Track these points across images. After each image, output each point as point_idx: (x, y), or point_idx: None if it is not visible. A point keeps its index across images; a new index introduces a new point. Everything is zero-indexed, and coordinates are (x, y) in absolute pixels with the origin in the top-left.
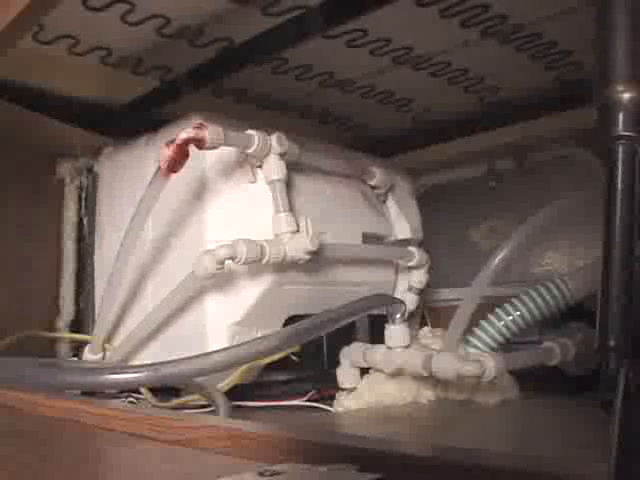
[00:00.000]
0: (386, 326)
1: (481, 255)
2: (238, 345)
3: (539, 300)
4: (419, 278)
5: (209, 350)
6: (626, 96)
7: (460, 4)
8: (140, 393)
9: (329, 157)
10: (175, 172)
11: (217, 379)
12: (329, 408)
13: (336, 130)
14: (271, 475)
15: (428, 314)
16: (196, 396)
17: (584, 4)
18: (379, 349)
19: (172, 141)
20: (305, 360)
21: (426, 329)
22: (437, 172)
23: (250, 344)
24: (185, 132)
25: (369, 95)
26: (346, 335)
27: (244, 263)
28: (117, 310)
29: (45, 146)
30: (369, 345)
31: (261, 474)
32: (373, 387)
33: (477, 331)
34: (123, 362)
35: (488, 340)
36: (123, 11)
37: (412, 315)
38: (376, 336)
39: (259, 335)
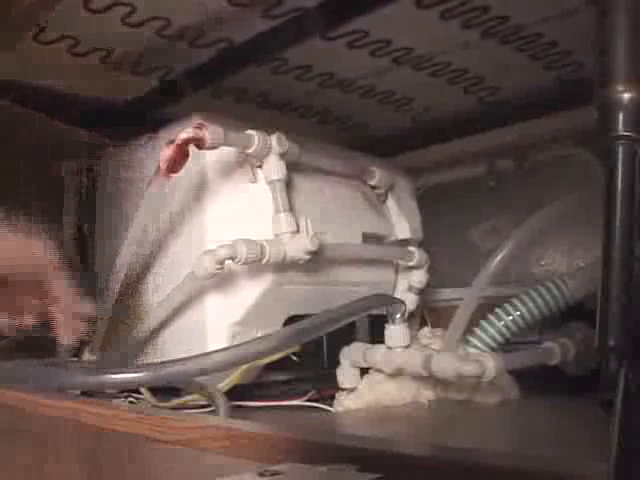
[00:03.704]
0: (386, 326)
1: (481, 255)
2: (238, 345)
3: (539, 300)
4: (419, 278)
5: (209, 350)
6: (626, 96)
7: (460, 6)
8: (140, 393)
9: (329, 157)
10: (175, 172)
11: (217, 379)
12: (329, 408)
13: (336, 130)
14: (271, 475)
15: (428, 314)
16: (196, 396)
17: (584, 4)
18: (379, 349)
19: (172, 141)
20: (305, 360)
21: (426, 329)
22: (437, 172)
23: (250, 344)
24: (185, 132)
25: (369, 95)
26: (346, 335)
27: (244, 263)
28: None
29: (45, 146)
30: (369, 345)
31: (261, 474)
32: (373, 387)
33: (477, 331)
34: (123, 362)
35: (488, 340)
36: (124, 13)
37: (412, 315)
38: (376, 336)
39: (259, 335)
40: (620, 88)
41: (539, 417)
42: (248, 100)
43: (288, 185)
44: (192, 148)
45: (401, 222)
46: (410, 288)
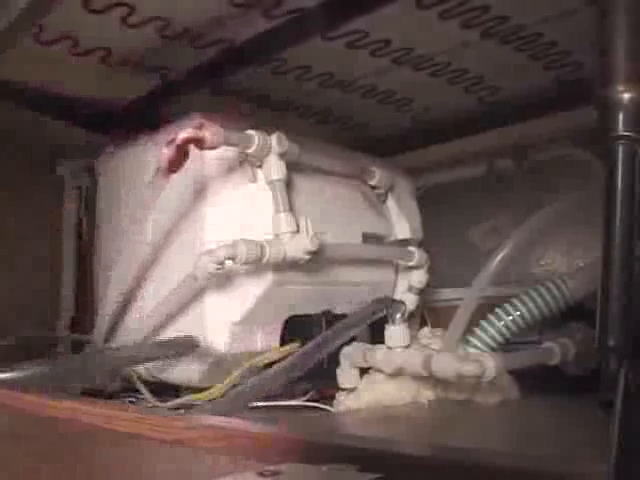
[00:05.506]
0: (386, 326)
1: (481, 255)
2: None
3: (539, 300)
4: (419, 278)
5: (209, 349)
6: (626, 96)
7: (460, 6)
8: (140, 393)
9: (329, 157)
10: (175, 172)
11: (216, 379)
12: (329, 408)
13: (336, 130)
14: (271, 475)
15: (428, 314)
16: (196, 396)
17: (584, 4)
18: (379, 349)
19: (172, 141)
20: None
21: (426, 329)
22: (437, 172)
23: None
24: (185, 132)
25: (369, 95)
26: None
27: (244, 263)
28: (117, 310)
29: (45, 146)
30: (369, 345)
31: (261, 474)
32: (373, 387)
33: (477, 331)
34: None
35: (488, 340)
36: (123, 13)
37: (412, 315)
38: (376, 336)
39: (259, 335)
40: (620, 88)
41: (539, 417)
42: (248, 100)
43: (288, 185)
44: (192, 148)
45: (401, 222)
46: (410, 288)
